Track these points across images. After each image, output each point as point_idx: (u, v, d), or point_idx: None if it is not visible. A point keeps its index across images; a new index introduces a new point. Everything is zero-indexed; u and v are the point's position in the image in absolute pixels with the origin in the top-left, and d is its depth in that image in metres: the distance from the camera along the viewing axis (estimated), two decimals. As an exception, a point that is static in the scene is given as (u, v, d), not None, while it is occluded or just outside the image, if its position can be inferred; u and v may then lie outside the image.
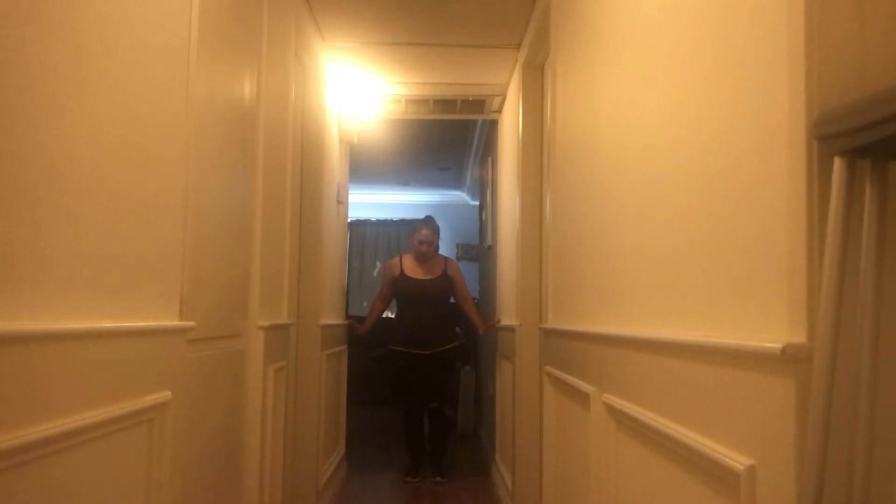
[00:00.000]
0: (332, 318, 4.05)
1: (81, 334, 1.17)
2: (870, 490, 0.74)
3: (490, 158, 5.56)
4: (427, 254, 4.51)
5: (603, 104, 1.86)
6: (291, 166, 2.89)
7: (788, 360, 0.83)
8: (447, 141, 6.49)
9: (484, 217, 6.30)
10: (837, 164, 0.78)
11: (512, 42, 3.63)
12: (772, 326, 0.90)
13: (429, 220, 4.59)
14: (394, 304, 4.73)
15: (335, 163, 4.11)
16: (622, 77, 1.67)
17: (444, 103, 4.51)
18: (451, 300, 4.62)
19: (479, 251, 7.15)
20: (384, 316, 4.77)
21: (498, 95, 4.39)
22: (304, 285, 3.34)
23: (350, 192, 4.79)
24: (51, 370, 1.07)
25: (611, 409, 1.64)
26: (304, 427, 3.30)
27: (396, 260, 4.67)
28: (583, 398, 1.92)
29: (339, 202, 4.28)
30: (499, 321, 4.41)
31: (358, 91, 4.23)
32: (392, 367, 4.68)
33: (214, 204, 1.93)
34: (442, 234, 4.78)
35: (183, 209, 1.62)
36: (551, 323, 2.61)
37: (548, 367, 2.58)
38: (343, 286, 4.68)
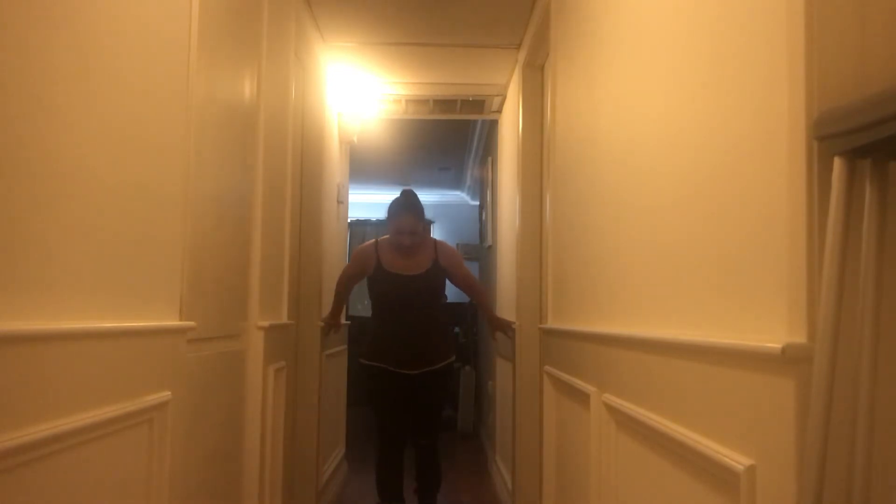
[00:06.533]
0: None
1: (81, 334, 1.17)
2: (870, 490, 0.74)
3: (490, 158, 5.56)
4: (411, 247, 3.34)
5: (603, 104, 1.86)
6: (291, 166, 2.89)
7: (788, 360, 0.83)
8: (447, 141, 6.49)
9: (484, 217, 6.30)
10: (837, 164, 0.78)
11: (512, 42, 3.63)
12: (772, 326, 0.90)
13: (408, 202, 3.37)
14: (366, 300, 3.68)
15: (335, 163, 4.11)
16: (622, 77, 1.67)
17: (444, 103, 4.51)
18: (446, 297, 3.69)
19: (479, 251, 7.15)
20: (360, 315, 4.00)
21: (498, 95, 4.39)
22: (304, 285, 3.34)
23: (350, 192, 4.79)
24: (51, 370, 1.07)
25: (611, 409, 1.64)
26: (304, 427, 3.30)
27: (371, 246, 3.44)
28: (583, 398, 1.92)
29: (339, 202, 4.28)
30: (512, 325, 3.56)
31: (358, 91, 4.23)
32: (366, 387, 3.46)
33: (214, 204, 1.93)
34: (442, 234, 4.00)
35: (183, 209, 1.62)
36: (551, 323, 2.61)
37: (548, 367, 2.58)
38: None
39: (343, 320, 4.44)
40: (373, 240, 3.50)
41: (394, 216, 3.34)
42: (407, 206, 3.34)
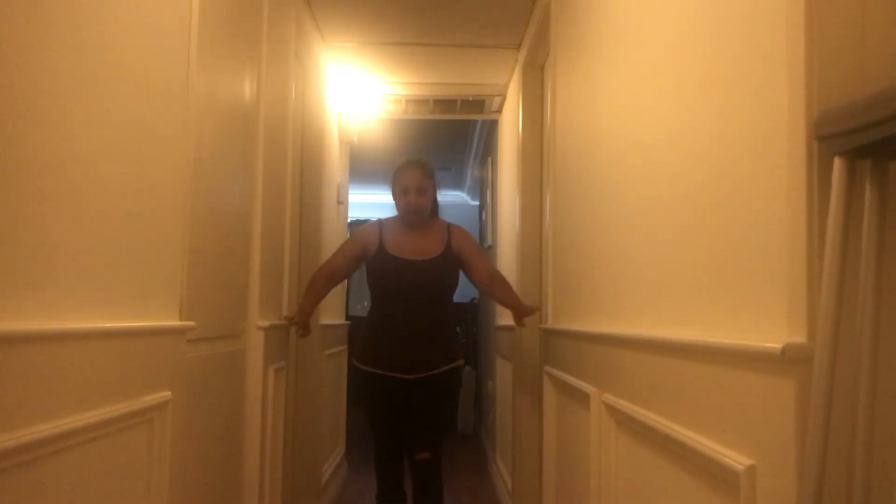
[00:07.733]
0: (333, 318, 4.05)
1: (82, 334, 1.17)
2: (870, 490, 0.74)
3: (490, 158, 5.56)
4: (421, 210, 2.81)
5: (603, 105, 1.86)
6: (291, 166, 2.88)
7: (788, 360, 0.83)
8: (447, 141, 6.49)
9: (484, 217, 6.30)
10: (837, 164, 0.78)
11: (512, 42, 3.63)
12: (772, 326, 0.90)
13: (415, 159, 2.91)
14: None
15: (335, 163, 4.11)
16: (622, 77, 1.67)
17: (444, 103, 4.51)
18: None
19: (479, 251, 7.14)
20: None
21: (498, 95, 4.39)
22: (304, 285, 3.33)
23: (350, 192, 4.79)
24: (51, 370, 1.07)
25: (611, 409, 1.64)
26: (304, 427, 3.30)
27: (374, 228, 2.87)
28: (583, 398, 1.92)
29: (339, 202, 4.28)
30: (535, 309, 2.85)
31: (358, 91, 4.23)
32: (359, 394, 3.00)
33: (214, 204, 1.93)
34: None
35: (183, 209, 1.62)
36: (551, 323, 2.61)
37: (548, 367, 2.58)
38: (343, 286, 4.68)
39: (344, 320, 4.45)
40: (376, 221, 2.93)
41: (399, 173, 2.82)
42: (414, 162, 2.84)
